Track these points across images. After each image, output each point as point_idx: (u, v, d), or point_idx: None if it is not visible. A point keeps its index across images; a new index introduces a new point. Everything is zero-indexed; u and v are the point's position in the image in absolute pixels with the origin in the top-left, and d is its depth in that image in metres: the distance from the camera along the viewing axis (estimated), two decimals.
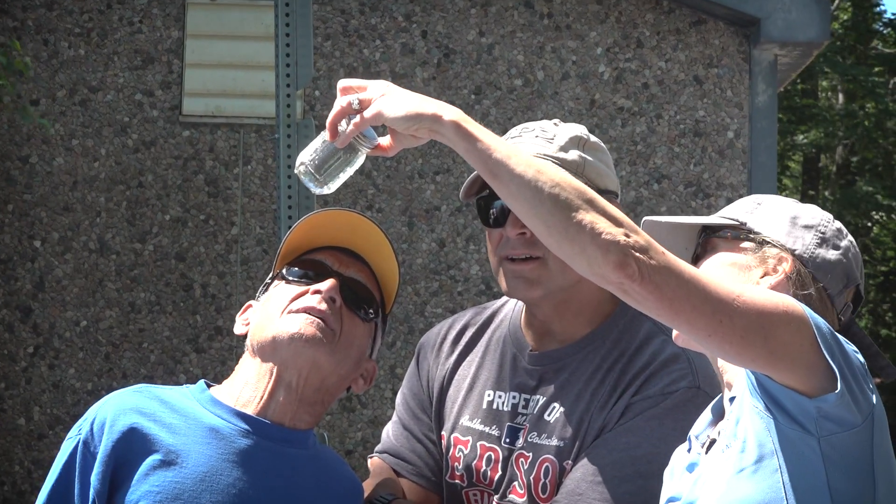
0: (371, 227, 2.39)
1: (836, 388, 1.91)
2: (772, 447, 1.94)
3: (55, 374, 7.33)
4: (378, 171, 7.45)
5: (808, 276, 2.11)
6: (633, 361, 2.40)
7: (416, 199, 7.49)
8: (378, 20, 7.56)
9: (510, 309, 2.62)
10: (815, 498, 1.92)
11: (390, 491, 2.50)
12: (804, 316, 1.92)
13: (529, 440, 2.43)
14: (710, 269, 2.14)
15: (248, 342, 2.37)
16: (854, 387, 1.93)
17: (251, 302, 2.44)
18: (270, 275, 2.44)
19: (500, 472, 2.46)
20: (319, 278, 2.34)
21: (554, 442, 2.40)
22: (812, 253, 2.12)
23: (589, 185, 2.42)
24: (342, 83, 2.07)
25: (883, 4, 27.69)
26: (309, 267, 2.37)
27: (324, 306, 2.29)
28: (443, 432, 2.57)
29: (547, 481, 2.39)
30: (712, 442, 2.07)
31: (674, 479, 2.13)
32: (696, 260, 2.20)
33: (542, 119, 2.85)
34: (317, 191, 2.11)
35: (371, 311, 2.38)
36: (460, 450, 2.52)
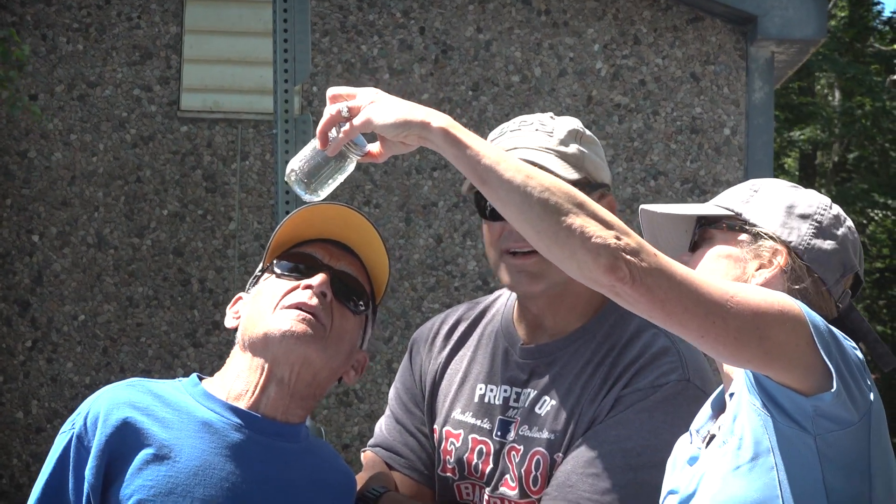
0: (360, 220, 2.38)
1: (833, 387, 1.90)
2: (768, 445, 1.93)
3: (53, 368, 7.32)
4: (375, 167, 7.44)
5: (803, 268, 2.09)
6: (624, 355, 2.40)
7: (414, 195, 7.48)
8: (376, 16, 7.55)
9: (502, 304, 2.62)
10: (810, 496, 1.91)
11: (382, 484, 2.50)
12: (800, 315, 1.91)
13: (521, 433, 2.43)
14: (704, 265, 2.13)
15: (238, 335, 2.36)
16: (851, 384, 1.92)
17: (241, 294, 2.43)
18: (260, 267, 2.43)
19: (491, 465, 2.46)
20: (310, 272, 2.34)
21: (545, 435, 2.40)
22: (808, 244, 2.11)
23: (588, 178, 2.43)
24: (331, 91, 2.07)
25: (881, 3, 27.70)
26: (299, 260, 2.36)
27: (315, 301, 2.29)
28: (435, 426, 2.58)
29: (538, 474, 2.39)
30: (712, 437, 2.06)
31: (675, 470, 2.13)
32: (693, 248, 2.19)
33: None
34: (307, 197, 2.12)
35: (361, 303, 2.38)
36: (452, 443, 2.52)
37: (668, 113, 7.59)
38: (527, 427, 2.43)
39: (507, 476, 2.43)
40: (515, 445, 2.43)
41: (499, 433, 2.46)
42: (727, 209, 2.17)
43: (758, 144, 7.58)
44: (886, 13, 30.71)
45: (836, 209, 2.17)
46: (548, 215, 1.88)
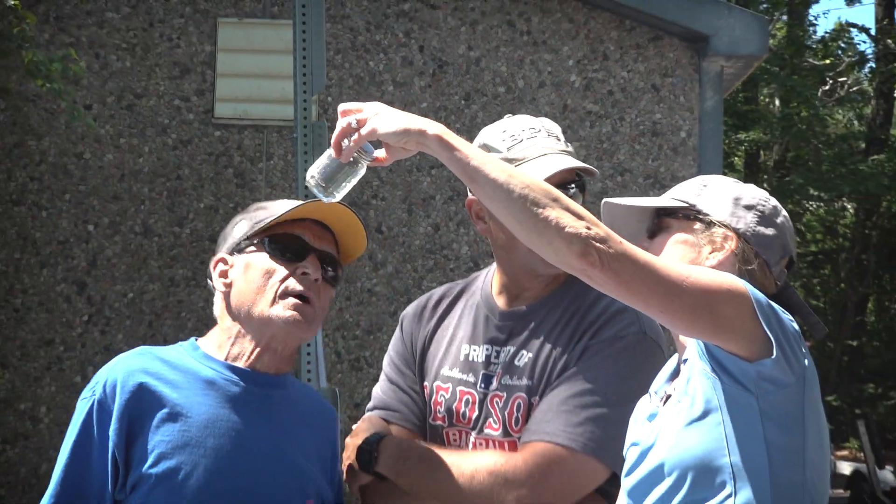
0: (341, 208, 2.34)
1: (773, 354, 1.90)
2: (716, 403, 1.93)
3: (106, 339, 7.31)
4: (382, 167, 7.41)
5: (751, 251, 2.09)
6: (589, 313, 2.43)
7: (415, 190, 7.47)
8: (381, 37, 7.53)
9: (482, 280, 2.65)
10: (752, 447, 1.91)
11: (377, 433, 2.50)
12: (745, 292, 1.91)
13: (503, 382, 2.45)
14: (665, 249, 2.13)
15: (230, 303, 2.32)
16: (788, 352, 1.92)
17: (223, 256, 2.36)
18: (244, 234, 2.37)
19: (476, 412, 2.47)
20: (298, 256, 2.32)
21: (524, 382, 2.42)
22: (754, 230, 2.10)
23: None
24: (342, 107, 2.07)
25: (815, 24, 27.67)
26: (289, 241, 2.34)
27: (310, 290, 2.29)
28: (426, 382, 2.58)
29: (519, 415, 2.41)
30: (668, 396, 2.06)
31: (637, 425, 2.13)
32: (652, 236, 2.19)
33: None
34: (325, 199, 2.11)
35: (337, 275, 2.38)
36: (442, 395, 2.53)
37: (632, 119, 7.57)
38: (508, 377, 2.45)
39: (491, 419, 2.45)
40: (498, 393, 2.45)
41: (482, 385, 2.47)
42: (682, 201, 2.16)
43: (709, 146, 7.57)
44: (819, 34, 30.66)
45: (774, 201, 2.17)
46: (528, 208, 1.87)
